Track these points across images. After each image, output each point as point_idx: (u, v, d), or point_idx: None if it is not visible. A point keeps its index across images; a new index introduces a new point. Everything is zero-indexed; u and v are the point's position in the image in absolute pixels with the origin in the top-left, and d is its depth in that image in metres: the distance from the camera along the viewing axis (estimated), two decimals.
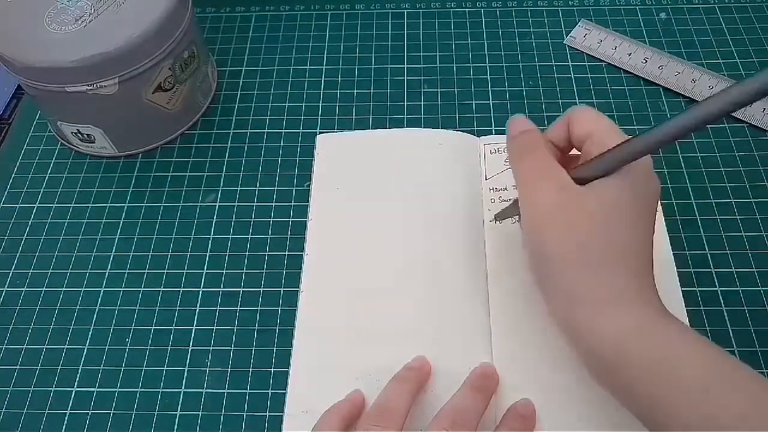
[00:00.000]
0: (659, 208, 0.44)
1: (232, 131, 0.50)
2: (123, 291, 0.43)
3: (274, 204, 0.46)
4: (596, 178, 0.32)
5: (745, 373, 0.29)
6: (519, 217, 0.37)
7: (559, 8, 0.57)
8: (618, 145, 0.32)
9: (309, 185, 0.46)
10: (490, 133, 0.49)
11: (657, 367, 0.30)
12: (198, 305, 0.42)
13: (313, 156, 0.47)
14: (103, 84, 0.43)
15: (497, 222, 0.42)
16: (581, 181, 0.33)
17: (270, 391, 0.39)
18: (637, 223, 0.32)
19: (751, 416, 0.28)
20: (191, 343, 0.41)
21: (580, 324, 0.32)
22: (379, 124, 0.50)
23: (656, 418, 0.30)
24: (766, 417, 0.27)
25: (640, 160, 0.32)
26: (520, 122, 0.36)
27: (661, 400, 0.29)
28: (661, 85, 0.51)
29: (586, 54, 0.53)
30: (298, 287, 0.41)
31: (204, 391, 0.39)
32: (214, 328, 0.41)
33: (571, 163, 0.34)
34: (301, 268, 0.42)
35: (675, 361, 0.30)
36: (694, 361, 0.29)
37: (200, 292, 0.43)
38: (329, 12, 0.58)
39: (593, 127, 0.34)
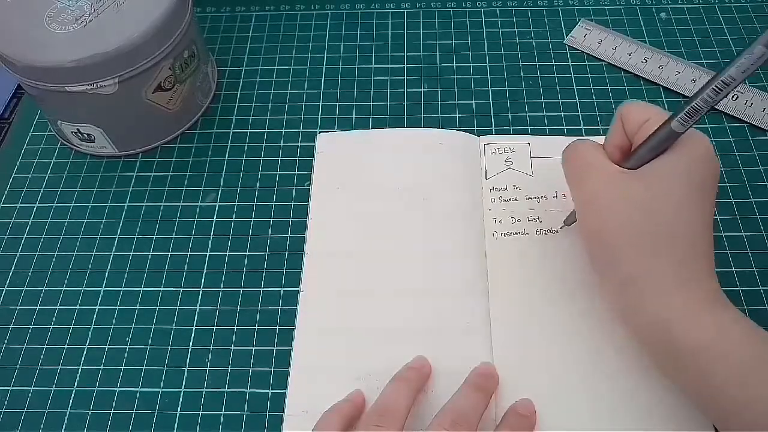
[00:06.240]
0: None
1: (232, 131, 0.50)
2: (123, 291, 0.43)
3: (274, 204, 0.46)
4: (645, 163, 0.33)
5: None
6: None
7: (559, 8, 0.57)
8: (662, 125, 0.32)
9: (309, 185, 0.46)
10: (490, 133, 0.49)
11: (703, 351, 0.30)
12: (198, 305, 0.42)
13: (313, 156, 0.47)
14: (103, 84, 0.43)
15: (568, 226, 0.42)
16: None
17: (270, 391, 0.39)
18: (687, 203, 0.31)
19: None
20: (191, 343, 0.41)
21: (629, 307, 0.32)
22: (379, 124, 0.50)
23: (706, 396, 0.30)
24: None
25: (697, 139, 0.32)
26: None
27: (707, 382, 0.29)
28: (661, 85, 0.51)
29: (586, 54, 0.53)
30: (298, 287, 0.41)
31: (204, 391, 0.39)
32: (214, 328, 0.41)
33: None
34: (301, 268, 0.42)
35: (720, 346, 0.30)
36: (739, 348, 0.30)
37: (200, 292, 0.42)
38: (329, 12, 0.58)
39: (642, 118, 0.34)
